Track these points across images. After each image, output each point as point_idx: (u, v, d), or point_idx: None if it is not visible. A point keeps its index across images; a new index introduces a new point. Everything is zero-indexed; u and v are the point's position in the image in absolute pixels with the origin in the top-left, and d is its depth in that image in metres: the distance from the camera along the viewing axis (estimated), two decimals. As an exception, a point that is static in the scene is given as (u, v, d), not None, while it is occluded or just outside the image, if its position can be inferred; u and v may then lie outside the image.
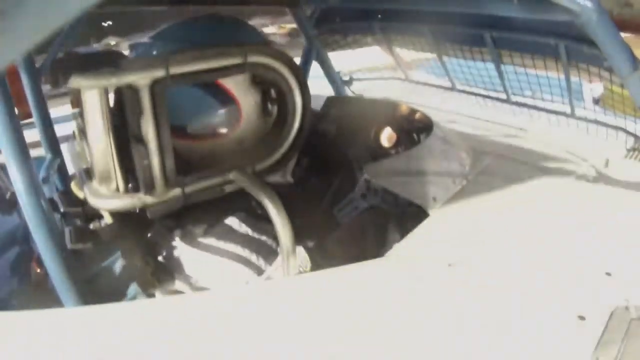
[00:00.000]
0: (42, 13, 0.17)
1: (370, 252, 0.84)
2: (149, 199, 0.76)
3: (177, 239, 0.84)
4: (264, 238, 0.84)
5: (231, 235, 0.83)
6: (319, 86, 1.83)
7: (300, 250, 0.83)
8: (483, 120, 1.58)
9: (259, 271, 0.80)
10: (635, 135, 1.30)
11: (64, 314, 0.63)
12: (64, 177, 1.40)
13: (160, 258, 0.86)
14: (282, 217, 0.74)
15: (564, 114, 1.48)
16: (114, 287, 1.05)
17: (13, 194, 0.78)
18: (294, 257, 0.74)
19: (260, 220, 0.84)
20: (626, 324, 0.63)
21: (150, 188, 0.75)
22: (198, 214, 0.83)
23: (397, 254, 0.77)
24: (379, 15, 1.70)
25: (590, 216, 0.93)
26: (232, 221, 0.85)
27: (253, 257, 0.80)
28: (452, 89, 1.81)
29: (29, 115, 1.48)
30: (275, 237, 0.76)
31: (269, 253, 0.82)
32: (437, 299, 0.67)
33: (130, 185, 0.76)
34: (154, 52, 0.82)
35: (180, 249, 0.84)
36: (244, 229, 0.84)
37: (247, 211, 0.86)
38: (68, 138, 1.01)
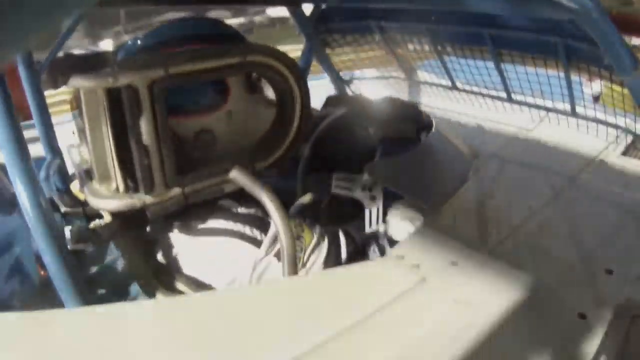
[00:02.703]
0: (39, 12, 0.17)
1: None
2: (148, 199, 0.76)
3: (175, 230, 0.84)
4: (255, 211, 0.84)
5: (225, 215, 0.83)
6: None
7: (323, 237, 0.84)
8: (483, 119, 1.58)
9: (256, 243, 0.80)
10: (634, 134, 1.30)
11: (64, 314, 0.63)
12: (64, 177, 1.40)
13: (160, 257, 0.86)
14: (282, 218, 0.74)
15: (564, 112, 1.47)
16: (114, 287, 1.05)
17: (13, 194, 0.78)
18: (294, 257, 0.74)
19: (250, 197, 0.84)
20: (627, 322, 0.63)
21: (149, 188, 0.75)
22: (196, 208, 0.83)
23: (398, 253, 0.77)
24: (379, 15, 1.70)
25: (590, 214, 0.93)
26: (224, 202, 0.85)
27: (247, 230, 0.81)
28: (452, 88, 1.81)
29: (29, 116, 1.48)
30: (264, 210, 0.77)
31: (263, 224, 0.82)
32: (438, 298, 0.67)
33: (130, 185, 0.76)
34: (153, 52, 0.82)
35: (180, 241, 0.84)
36: (236, 206, 0.85)
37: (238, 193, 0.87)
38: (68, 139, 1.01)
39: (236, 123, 0.86)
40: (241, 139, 0.88)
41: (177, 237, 0.84)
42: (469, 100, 1.73)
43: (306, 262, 0.81)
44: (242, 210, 0.85)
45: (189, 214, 0.83)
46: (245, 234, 0.80)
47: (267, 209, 0.76)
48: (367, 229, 0.96)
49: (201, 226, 0.82)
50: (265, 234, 0.80)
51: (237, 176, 0.80)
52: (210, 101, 0.84)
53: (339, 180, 1.01)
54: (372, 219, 0.97)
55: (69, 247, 0.78)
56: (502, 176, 1.08)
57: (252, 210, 0.85)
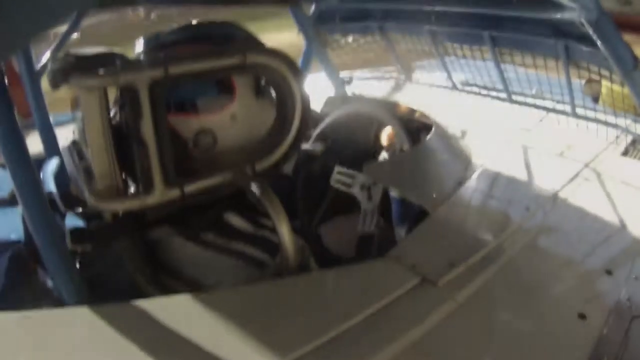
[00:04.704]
0: (37, 12, 0.17)
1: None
2: (148, 200, 0.76)
3: (176, 235, 0.84)
4: (264, 233, 0.84)
5: (231, 231, 0.82)
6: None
7: (304, 245, 0.83)
8: (483, 120, 1.58)
9: (263, 266, 0.79)
10: (634, 134, 1.30)
11: (64, 314, 0.63)
12: (64, 177, 1.40)
13: (160, 258, 0.86)
14: (282, 219, 0.74)
15: (564, 112, 1.48)
16: (114, 287, 1.05)
17: (13, 194, 0.78)
18: (295, 260, 0.74)
19: (259, 214, 0.84)
20: (627, 322, 0.63)
21: (149, 189, 0.75)
22: (197, 209, 0.83)
23: (398, 253, 0.77)
24: (379, 15, 1.71)
25: (590, 214, 0.93)
26: (231, 217, 0.84)
27: (256, 253, 0.80)
28: (453, 88, 1.81)
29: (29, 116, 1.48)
30: (275, 231, 0.76)
31: (271, 247, 0.81)
32: (438, 298, 0.67)
33: (130, 186, 0.76)
34: (154, 53, 0.82)
35: (180, 246, 0.83)
36: (243, 225, 0.84)
37: (245, 204, 0.86)
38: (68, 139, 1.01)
39: (239, 126, 0.85)
40: (243, 140, 0.87)
41: (179, 243, 0.84)
42: (468, 101, 1.73)
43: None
44: (248, 228, 0.84)
45: (192, 219, 0.83)
46: (254, 257, 0.80)
47: (275, 224, 0.75)
48: (360, 228, 0.96)
49: (205, 238, 0.82)
50: (270, 256, 0.80)
51: (238, 178, 0.80)
52: (214, 102, 0.83)
53: (340, 175, 1.01)
54: (366, 219, 0.98)
55: (68, 247, 0.78)
56: (501, 177, 1.08)
57: (258, 230, 0.84)
